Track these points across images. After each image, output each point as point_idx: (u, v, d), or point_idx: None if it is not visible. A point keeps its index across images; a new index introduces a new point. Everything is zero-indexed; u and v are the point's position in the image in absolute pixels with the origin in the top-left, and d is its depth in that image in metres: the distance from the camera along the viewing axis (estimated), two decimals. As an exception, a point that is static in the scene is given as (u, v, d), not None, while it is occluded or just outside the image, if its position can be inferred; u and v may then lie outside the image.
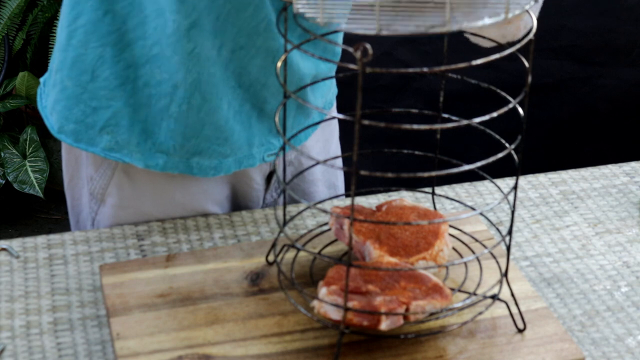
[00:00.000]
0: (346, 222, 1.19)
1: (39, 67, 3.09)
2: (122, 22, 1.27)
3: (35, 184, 2.91)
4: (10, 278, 1.26)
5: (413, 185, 1.41)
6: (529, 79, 1.04)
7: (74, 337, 1.16)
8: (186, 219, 1.38)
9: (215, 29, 1.26)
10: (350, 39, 1.45)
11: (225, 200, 1.43)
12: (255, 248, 1.27)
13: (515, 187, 1.09)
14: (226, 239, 1.34)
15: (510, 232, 1.12)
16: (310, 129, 1.48)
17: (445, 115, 1.22)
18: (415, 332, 1.12)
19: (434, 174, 1.01)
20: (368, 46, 0.91)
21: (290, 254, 1.24)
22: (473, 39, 1.21)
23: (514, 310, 1.15)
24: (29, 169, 2.94)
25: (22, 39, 3.03)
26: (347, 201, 1.42)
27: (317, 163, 1.18)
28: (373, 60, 0.92)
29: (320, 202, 1.28)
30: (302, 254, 1.24)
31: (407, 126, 0.97)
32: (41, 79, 1.43)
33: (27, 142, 2.98)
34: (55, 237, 1.34)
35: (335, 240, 1.27)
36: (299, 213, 1.27)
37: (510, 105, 1.02)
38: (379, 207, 1.23)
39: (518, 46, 1.01)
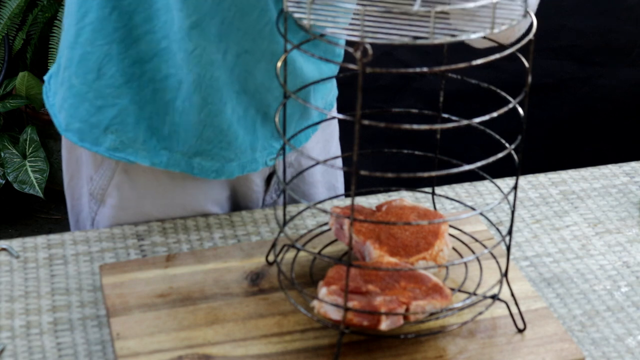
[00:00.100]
0: (346, 222, 1.19)
1: (39, 67, 3.09)
2: (129, 18, 1.27)
3: (35, 184, 2.91)
4: (10, 278, 1.26)
5: (413, 185, 1.41)
6: (529, 79, 1.04)
7: (74, 337, 1.16)
8: (186, 219, 1.38)
9: (220, 33, 1.26)
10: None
11: (225, 201, 1.43)
12: (255, 248, 1.27)
13: (515, 187, 1.09)
14: (226, 239, 1.34)
15: (510, 232, 1.12)
16: (311, 130, 1.48)
17: (445, 115, 1.22)
18: (415, 332, 1.12)
19: (434, 174, 1.01)
20: (368, 46, 0.91)
21: (290, 254, 1.24)
22: (467, 40, 1.21)
23: (514, 310, 1.15)
24: (29, 169, 2.94)
25: (22, 39, 3.03)
26: (347, 201, 1.42)
27: (317, 163, 1.18)
28: (373, 60, 0.92)
29: (320, 202, 1.28)
30: (302, 254, 1.24)
31: (407, 126, 0.97)
32: (45, 77, 1.43)
33: (27, 142, 2.98)
34: (55, 237, 1.34)
35: (335, 240, 1.27)
36: (299, 213, 1.27)
37: (510, 105, 1.02)
38: (379, 207, 1.23)
39: (518, 46, 1.02)
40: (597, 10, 2.43)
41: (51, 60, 2.93)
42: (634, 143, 2.51)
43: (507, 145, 1.09)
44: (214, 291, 1.19)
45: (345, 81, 1.56)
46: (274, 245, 1.21)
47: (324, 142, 1.54)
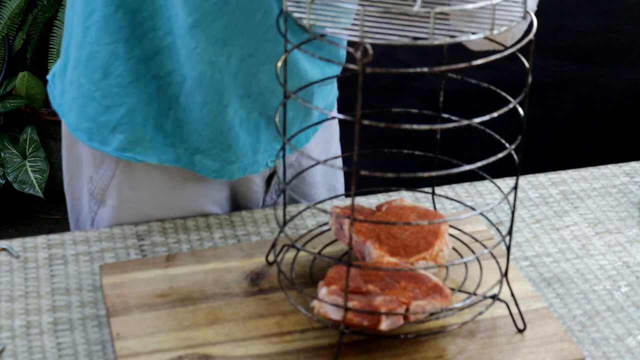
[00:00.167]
0: (346, 222, 1.19)
1: (39, 67, 3.09)
2: (133, 16, 1.27)
3: (35, 184, 2.91)
4: (10, 278, 1.26)
5: (413, 185, 1.41)
6: (529, 79, 1.04)
7: (74, 337, 1.16)
8: (186, 219, 1.38)
9: (224, 37, 1.26)
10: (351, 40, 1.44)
11: (225, 202, 1.43)
12: (255, 248, 1.27)
13: (515, 187, 1.09)
14: (226, 239, 1.34)
15: (510, 232, 1.12)
16: (311, 132, 1.47)
17: (445, 115, 1.22)
18: (415, 332, 1.12)
19: (434, 174, 1.01)
20: (368, 46, 0.91)
21: (290, 254, 1.24)
22: (464, 42, 1.22)
23: (514, 310, 1.15)
24: (29, 169, 2.94)
25: (22, 39, 3.03)
26: (347, 201, 1.42)
27: (317, 163, 1.18)
28: (373, 60, 0.93)
29: (320, 202, 1.28)
30: (302, 254, 1.24)
31: (407, 126, 0.97)
32: (48, 77, 1.43)
33: (27, 142, 2.98)
34: (55, 237, 1.34)
35: (335, 240, 1.27)
36: (299, 213, 1.27)
37: (511, 105, 1.02)
38: (379, 207, 1.23)
39: (518, 46, 1.02)
40: (597, 10, 2.43)
41: (51, 60, 2.93)
42: (634, 143, 2.51)
43: (507, 145, 1.09)
44: (214, 291, 1.19)
45: (345, 81, 1.56)
46: (274, 245, 1.21)
47: (325, 143, 1.54)
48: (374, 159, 2.50)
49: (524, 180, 1.50)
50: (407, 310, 1.07)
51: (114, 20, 1.27)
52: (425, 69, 0.97)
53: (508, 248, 1.13)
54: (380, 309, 1.06)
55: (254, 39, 1.28)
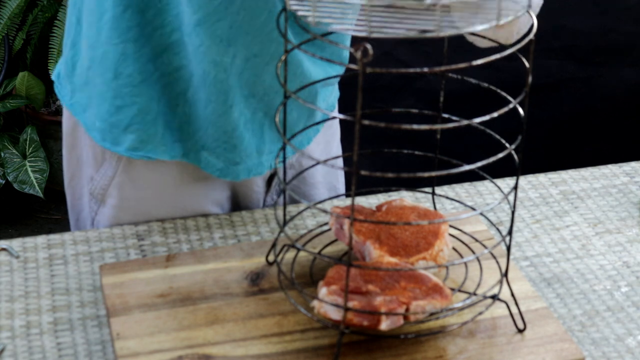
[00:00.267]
0: (346, 222, 1.19)
1: (39, 67, 3.09)
2: (141, 16, 1.27)
3: (35, 184, 2.91)
4: (10, 278, 1.26)
5: (413, 185, 1.40)
6: (529, 79, 1.04)
7: (74, 337, 1.16)
8: (186, 219, 1.38)
9: (229, 37, 1.26)
10: (354, 39, 1.44)
11: (225, 202, 1.43)
12: (255, 248, 1.27)
13: (515, 187, 1.09)
14: (226, 239, 1.34)
15: (510, 232, 1.12)
16: (313, 133, 1.47)
17: (445, 115, 1.22)
18: (415, 332, 1.12)
19: (434, 174, 1.01)
20: (368, 46, 0.91)
21: (290, 254, 1.24)
22: (470, 38, 1.21)
23: (514, 310, 1.15)
24: (29, 169, 2.94)
25: (22, 39, 3.03)
26: (347, 201, 1.42)
27: (317, 163, 1.18)
28: (373, 60, 0.92)
29: (320, 202, 1.28)
30: (302, 254, 1.24)
31: (407, 126, 0.97)
32: (53, 77, 1.43)
33: (27, 142, 2.98)
34: (55, 237, 1.34)
35: (335, 240, 1.27)
36: (299, 213, 1.27)
37: (511, 106, 1.02)
38: (379, 207, 1.23)
39: (518, 46, 1.02)
40: (597, 10, 2.43)
41: (51, 60, 2.93)
42: (634, 143, 2.51)
43: (507, 145, 1.09)
44: (214, 291, 1.19)
45: (345, 81, 1.56)
46: (274, 245, 1.21)
47: (325, 144, 1.54)
48: (374, 159, 2.49)
49: (524, 180, 1.50)
50: (407, 310, 1.07)
51: (122, 20, 1.27)
52: (426, 69, 0.97)
53: (508, 248, 1.13)
54: (380, 309, 1.06)
55: (258, 39, 1.28)
